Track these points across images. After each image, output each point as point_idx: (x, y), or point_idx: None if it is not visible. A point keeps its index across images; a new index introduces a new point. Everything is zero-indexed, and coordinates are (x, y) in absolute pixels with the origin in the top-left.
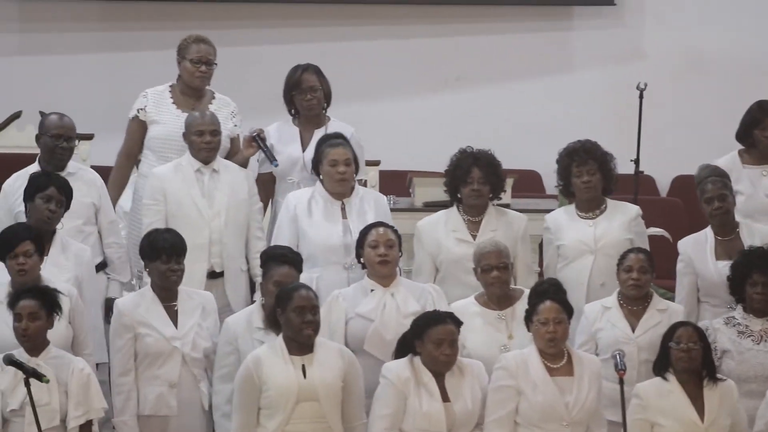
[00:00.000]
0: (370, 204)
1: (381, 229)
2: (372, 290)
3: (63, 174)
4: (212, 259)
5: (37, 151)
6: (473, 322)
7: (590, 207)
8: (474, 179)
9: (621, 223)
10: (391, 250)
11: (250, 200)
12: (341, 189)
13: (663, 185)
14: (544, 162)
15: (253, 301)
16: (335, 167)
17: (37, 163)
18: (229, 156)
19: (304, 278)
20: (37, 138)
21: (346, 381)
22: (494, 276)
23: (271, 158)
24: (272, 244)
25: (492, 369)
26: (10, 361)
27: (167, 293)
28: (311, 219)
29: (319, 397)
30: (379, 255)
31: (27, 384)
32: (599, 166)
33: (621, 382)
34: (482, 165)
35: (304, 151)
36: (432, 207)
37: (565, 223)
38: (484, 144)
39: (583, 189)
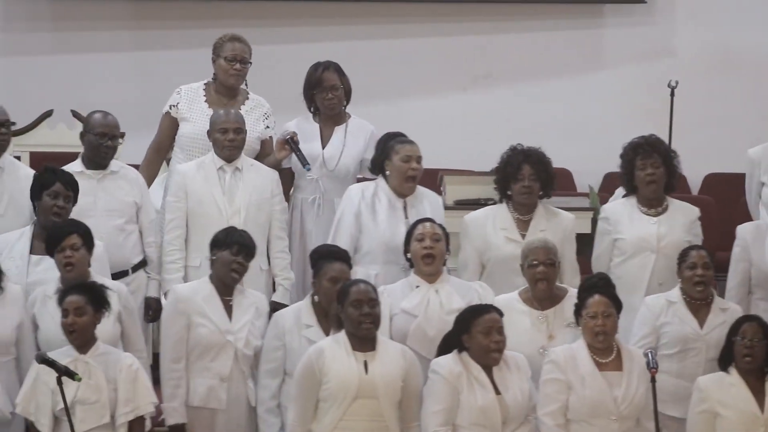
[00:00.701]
0: (426, 204)
1: (428, 224)
2: (417, 286)
3: (106, 172)
4: None
5: (70, 149)
6: (515, 319)
7: (653, 203)
8: (524, 176)
9: (683, 224)
10: (437, 244)
11: (272, 200)
12: (410, 186)
13: (694, 183)
14: (574, 160)
15: (273, 302)
16: (408, 163)
17: (80, 160)
18: (258, 158)
19: (361, 274)
20: (81, 136)
21: (406, 381)
22: (540, 271)
23: (303, 162)
24: (332, 236)
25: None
26: (42, 359)
27: (224, 287)
28: (375, 216)
29: (379, 394)
30: (424, 248)
31: (59, 383)
32: (663, 161)
33: (653, 380)
34: (533, 162)
35: (323, 148)
36: (463, 205)
37: (626, 216)
38: (515, 141)
39: (647, 182)
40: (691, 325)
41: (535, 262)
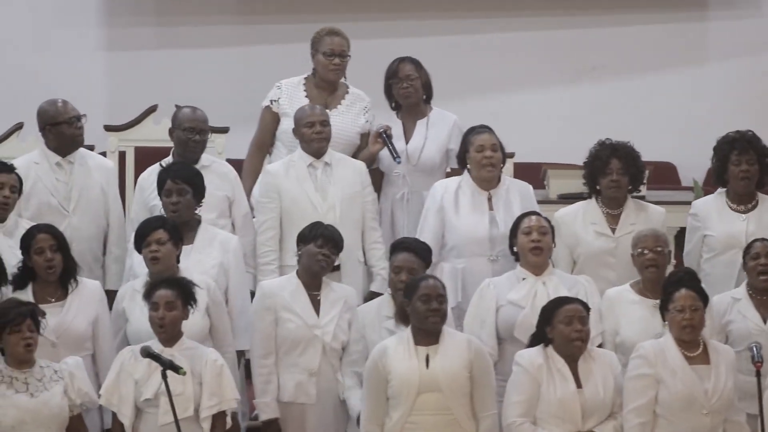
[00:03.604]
0: (515, 195)
1: (534, 217)
2: (524, 278)
3: (197, 167)
4: None
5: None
6: (629, 309)
7: (743, 199)
8: (613, 170)
9: None
10: (544, 237)
11: (363, 192)
12: (489, 175)
13: None
14: (679, 153)
15: (371, 292)
16: (482, 152)
17: (171, 156)
18: (357, 151)
19: (447, 270)
20: (171, 131)
21: (473, 372)
22: (649, 258)
23: (395, 155)
24: (418, 233)
25: None
26: (148, 353)
27: (313, 281)
28: (458, 210)
29: (442, 387)
30: (532, 241)
31: (164, 376)
32: (758, 158)
33: (758, 374)
34: (621, 156)
35: (407, 143)
36: (567, 199)
37: (715, 213)
38: (619, 135)
39: (740, 179)
40: (753, 320)
41: (645, 251)
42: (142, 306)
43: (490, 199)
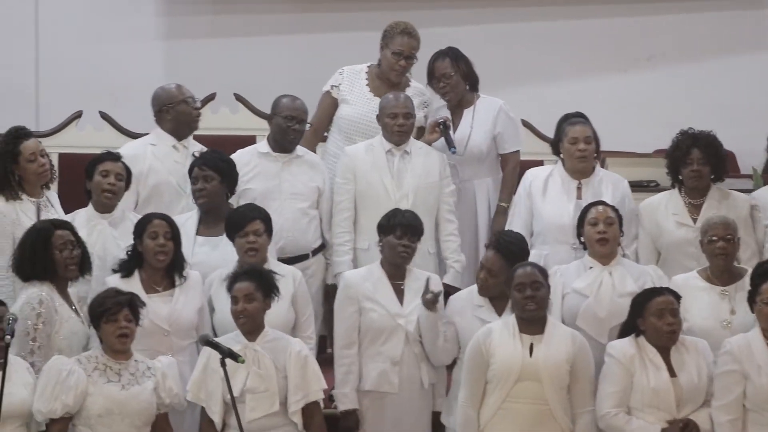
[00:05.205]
0: (608, 186)
1: (601, 207)
2: (590, 267)
3: (291, 156)
4: None
5: (233, 132)
6: (696, 296)
7: None
8: (694, 160)
9: None
10: (610, 228)
11: (441, 182)
12: (581, 166)
13: None
14: (737, 142)
15: (444, 284)
16: (575, 145)
17: (266, 142)
18: None
19: (533, 255)
20: (269, 119)
21: (574, 366)
22: (719, 246)
23: (450, 144)
24: (509, 220)
25: (713, 344)
26: (206, 341)
27: (396, 270)
28: (545, 197)
29: (542, 377)
30: (598, 232)
31: (223, 365)
32: None
33: None
34: (702, 146)
35: (454, 132)
36: None
37: None
38: (677, 123)
39: None
40: None
41: (714, 238)
42: (228, 295)
43: (579, 188)
